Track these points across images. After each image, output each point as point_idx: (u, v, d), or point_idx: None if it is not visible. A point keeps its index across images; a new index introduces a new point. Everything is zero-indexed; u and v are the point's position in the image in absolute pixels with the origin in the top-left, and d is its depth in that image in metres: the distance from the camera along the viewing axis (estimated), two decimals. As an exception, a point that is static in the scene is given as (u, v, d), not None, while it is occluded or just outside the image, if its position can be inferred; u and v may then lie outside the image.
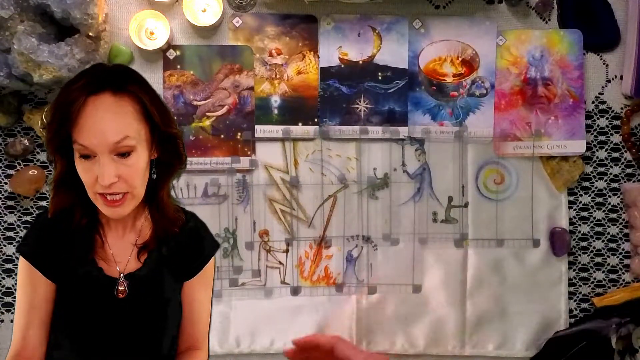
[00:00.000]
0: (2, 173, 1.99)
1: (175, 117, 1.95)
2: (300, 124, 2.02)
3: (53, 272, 1.25)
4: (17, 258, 1.37)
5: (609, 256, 2.09)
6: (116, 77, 1.18)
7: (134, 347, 1.27)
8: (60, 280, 1.26)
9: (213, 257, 1.37)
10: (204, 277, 1.36)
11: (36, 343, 1.26)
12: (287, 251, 2.04)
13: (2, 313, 2.00)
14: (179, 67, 1.99)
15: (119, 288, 1.25)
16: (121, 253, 1.27)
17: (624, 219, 2.09)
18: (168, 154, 1.25)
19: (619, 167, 2.07)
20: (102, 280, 1.25)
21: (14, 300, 1.81)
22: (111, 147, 1.14)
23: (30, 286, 1.26)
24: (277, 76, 2.01)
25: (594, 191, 2.08)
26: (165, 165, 1.26)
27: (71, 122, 1.13)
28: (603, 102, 2.07)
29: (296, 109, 2.01)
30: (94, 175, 1.15)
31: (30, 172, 1.96)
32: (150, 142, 1.21)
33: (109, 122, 1.14)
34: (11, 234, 2.00)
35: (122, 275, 1.26)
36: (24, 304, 1.26)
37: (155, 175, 1.25)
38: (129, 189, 1.18)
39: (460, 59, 2.04)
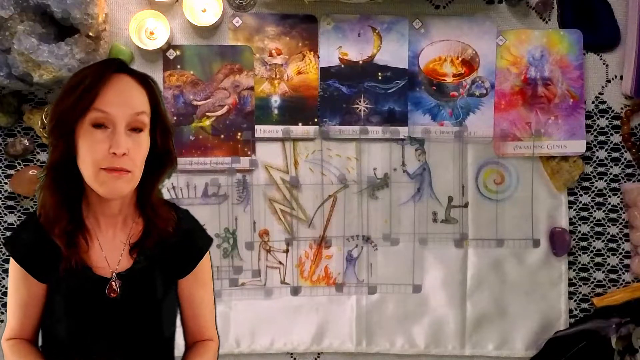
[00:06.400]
0: (2, 173, 1.99)
1: (175, 117, 1.97)
2: (300, 124, 2.02)
3: (42, 274, 1.27)
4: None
5: (609, 256, 2.09)
6: (127, 65, 1.28)
7: (128, 346, 1.27)
8: (50, 282, 1.27)
9: (208, 253, 1.38)
10: (200, 274, 1.36)
11: (32, 330, 1.31)
12: (287, 251, 2.04)
13: (2, 313, 2.00)
14: (179, 67, 1.99)
15: (111, 287, 1.25)
16: (112, 253, 1.28)
17: (624, 219, 2.09)
18: (161, 147, 1.28)
19: (619, 167, 2.07)
20: (93, 280, 1.25)
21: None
22: (130, 119, 1.19)
23: (21, 283, 1.28)
24: (277, 76, 2.01)
25: (594, 191, 2.08)
26: (157, 163, 1.28)
27: (95, 93, 1.18)
28: (603, 102, 2.07)
29: (296, 109, 2.01)
30: (105, 147, 1.18)
31: (30, 172, 1.96)
32: (149, 131, 1.25)
33: (131, 95, 1.22)
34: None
35: (114, 274, 1.26)
36: (17, 299, 1.30)
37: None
38: (132, 167, 1.20)
39: (460, 59, 2.04)
